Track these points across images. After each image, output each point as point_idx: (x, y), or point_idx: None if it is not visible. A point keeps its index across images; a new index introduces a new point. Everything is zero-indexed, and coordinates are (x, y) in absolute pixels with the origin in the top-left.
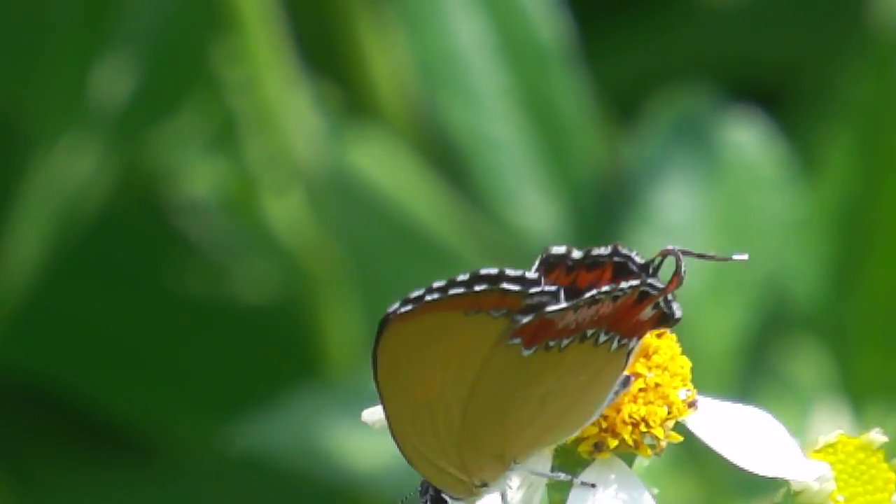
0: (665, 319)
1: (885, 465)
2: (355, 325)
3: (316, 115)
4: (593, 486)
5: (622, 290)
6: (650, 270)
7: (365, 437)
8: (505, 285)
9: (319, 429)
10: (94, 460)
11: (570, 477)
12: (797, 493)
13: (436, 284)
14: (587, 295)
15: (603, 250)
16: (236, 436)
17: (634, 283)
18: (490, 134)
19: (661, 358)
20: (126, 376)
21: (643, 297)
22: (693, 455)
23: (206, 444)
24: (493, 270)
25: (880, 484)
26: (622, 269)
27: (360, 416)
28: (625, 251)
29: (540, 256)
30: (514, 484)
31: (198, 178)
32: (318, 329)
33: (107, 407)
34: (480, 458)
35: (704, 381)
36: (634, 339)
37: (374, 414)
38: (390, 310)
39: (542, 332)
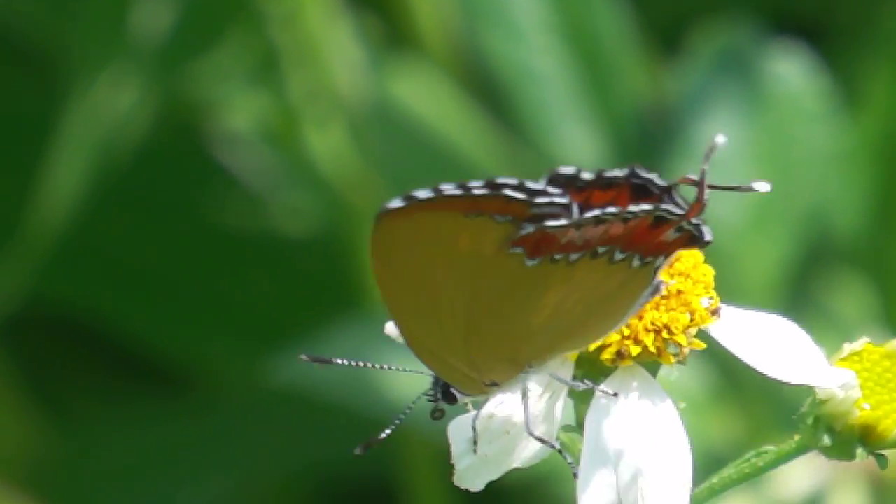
0: (694, 241)
1: None
2: None
3: (357, 48)
4: (615, 395)
5: (631, 212)
6: (671, 194)
7: (406, 369)
8: (508, 192)
9: (360, 360)
10: (133, 393)
11: (590, 385)
12: (822, 402)
13: (436, 186)
14: (590, 214)
15: (618, 172)
16: (277, 369)
17: (647, 206)
18: (532, 67)
19: (684, 265)
20: (166, 309)
21: (660, 220)
22: (737, 389)
23: (246, 377)
24: (499, 178)
25: None
26: (642, 190)
27: (401, 349)
28: (644, 173)
29: (546, 175)
30: (535, 389)
31: (239, 110)
32: (358, 262)
33: (146, 340)
34: (490, 358)
35: None
36: (661, 258)
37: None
38: (385, 205)
39: (544, 245)
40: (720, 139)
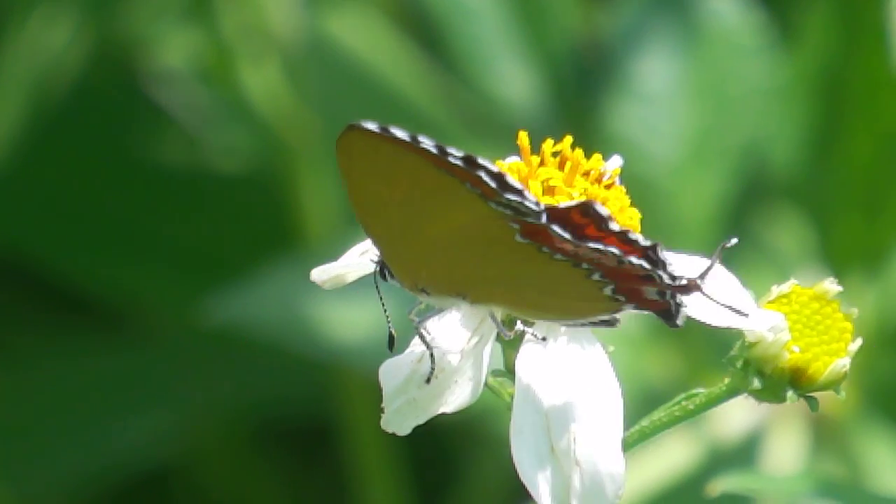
0: (667, 315)
1: (840, 315)
2: (331, 193)
3: None
4: (544, 339)
5: (630, 262)
6: (667, 264)
7: (343, 308)
8: (482, 174)
9: (297, 301)
10: (71, 329)
11: (519, 330)
12: (752, 345)
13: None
14: (591, 245)
15: (641, 239)
16: (211, 309)
17: (646, 265)
18: (465, 3)
19: (611, 208)
20: (100, 247)
21: (649, 279)
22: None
23: (182, 314)
24: (480, 158)
25: (836, 333)
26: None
27: (328, 293)
28: (658, 254)
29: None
30: (462, 334)
31: (173, 48)
32: (294, 199)
33: (82, 277)
34: (433, 283)
35: (684, 249)
36: (631, 305)
37: (324, 273)
38: (358, 123)
39: (539, 236)
40: (733, 241)
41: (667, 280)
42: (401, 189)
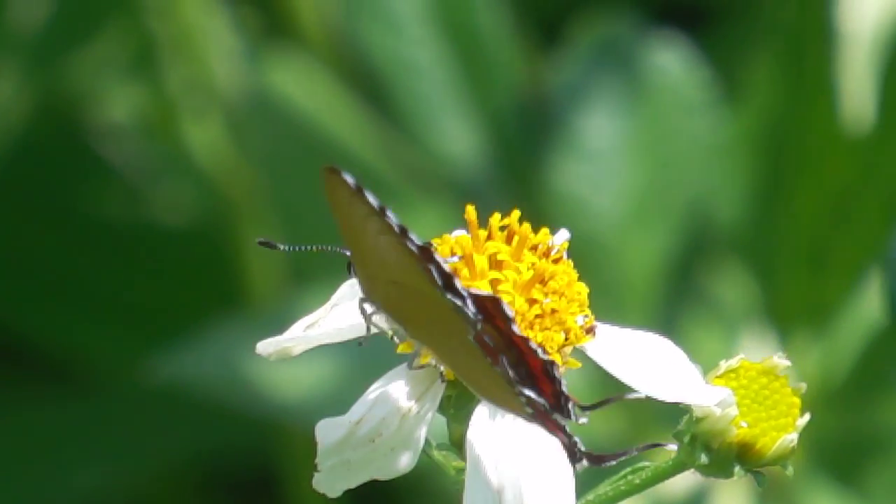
0: (567, 448)
1: (788, 390)
2: (276, 250)
3: (235, 39)
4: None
5: (533, 399)
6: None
7: (284, 366)
8: (431, 268)
9: (241, 359)
10: (14, 383)
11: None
12: (700, 420)
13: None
14: (511, 374)
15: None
16: (157, 365)
17: (544, 403)
18: (410, 59)
19: (558, 283)
20: (44, 301)
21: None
22: (620, 384)
23: (128, 369)
24: (435, 253)
25: (784, 409)
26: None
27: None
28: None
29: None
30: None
31: (117, 102)
32: (238, 253)
33: (26, 331)
34: (383, 298)
35: (630, 305)
36: (534, 418)
37: (269, 346)
38: (335, 169)
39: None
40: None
41: (562, 425)
42: (371, 231)
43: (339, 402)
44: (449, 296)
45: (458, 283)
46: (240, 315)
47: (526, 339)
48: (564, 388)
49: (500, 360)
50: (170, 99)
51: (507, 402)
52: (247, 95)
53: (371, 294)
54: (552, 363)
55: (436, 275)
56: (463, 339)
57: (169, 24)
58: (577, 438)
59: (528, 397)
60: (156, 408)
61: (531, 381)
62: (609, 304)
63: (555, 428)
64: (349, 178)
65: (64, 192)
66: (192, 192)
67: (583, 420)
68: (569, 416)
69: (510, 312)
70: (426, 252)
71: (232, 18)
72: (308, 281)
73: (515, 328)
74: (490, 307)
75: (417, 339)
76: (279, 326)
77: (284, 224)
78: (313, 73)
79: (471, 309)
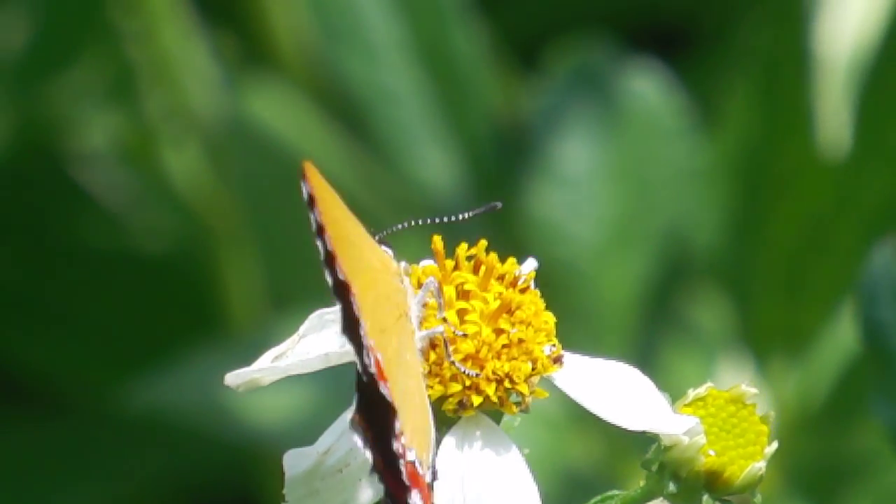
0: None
1: (756, 418)
2: (254, 276)
3: (213, 66)
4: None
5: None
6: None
7: (263, 393)
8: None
9: (218, 384)
10: None
11: None
12: (668, 448)
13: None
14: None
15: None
16: (134, 391)
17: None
18: (387, 86)
19: (525, 313)
20: (23, 326)
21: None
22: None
23: (103, 398)
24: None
25: (752, 437)
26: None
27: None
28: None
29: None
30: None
31: (95, 129)
32: (216, 280)
33: (3, 356)
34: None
35: (607, 331)
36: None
37: (238, 377)
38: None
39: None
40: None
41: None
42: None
43: (315, 428)
44: (345, 337)
45: (363, 331)
46: (218, 341)
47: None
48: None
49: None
50: (148, 126)
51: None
52: (225, 122)
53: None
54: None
55: (340, 314)
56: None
57: (147, 51)
58: None
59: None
60: (133, 432)
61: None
62: (587, 330)
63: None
64: (305, 188)
65: (43, 219)
66: (170, 219)
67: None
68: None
69: (396, 427)
70: (339, 288)
71: (210, 45)
72: (286, 307)
73: (395, 444)
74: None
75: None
76: (257, 353)
77: (263, 250)
78: (291, 100)
79: (366, 361)
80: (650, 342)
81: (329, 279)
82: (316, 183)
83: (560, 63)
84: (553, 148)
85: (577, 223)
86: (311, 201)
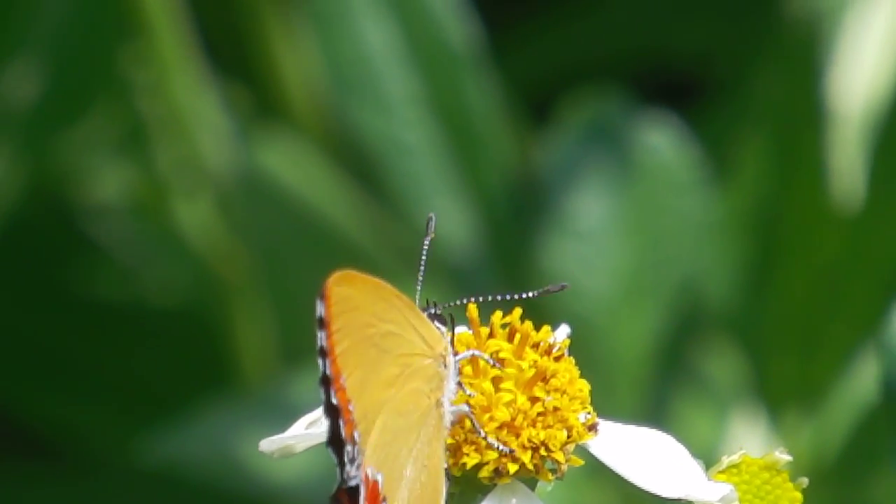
0: None
1: (790, 485)
2: (267, 330)
3: (225, 118)
4: None
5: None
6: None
7: None
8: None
9: (233, 440)
10: (8, 462)
11: None
12: None
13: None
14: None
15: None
16: (149, 446)
17: None
18: (401, 139)
19: (560, 381)
20: (34, 380)
21: None
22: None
23: (120, 449)
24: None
25: (786, 503)
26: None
27: (275, 425)
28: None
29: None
30: None
31: (107, 181)
32: (229, 333)
33: (16, 411)
34: None
35: (621, 384)
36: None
37: (272, 444)
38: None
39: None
40: None
41: None
42: None
43: (329, 483)
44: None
45: (343, 432)
46: (232, 396)
47: None
48: None
49: None
50: (160, 178)
51: None
52: (237, 175)
53: None
54: None
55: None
56: None
57: (159, 103)
58: None
59: None
60: (148, 488)
61: None
62: (600, 384)
63: None
64: (319, 308)
65: (54, 272)
66: (182, 272)
67: None
68: None
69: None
70: (321, 354)
71: (222, 98)
72: (299, 360)
73: None
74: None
75: None
76: (271, 407)
77: (275, 303)
78: (304, 153)
79: (347, 473)
80: (663, 395)
81: (322, 398)
82: (342, 294)
83: (573, 116)
84: (566, 201)
85: (591, 276)
86: (322, 324)
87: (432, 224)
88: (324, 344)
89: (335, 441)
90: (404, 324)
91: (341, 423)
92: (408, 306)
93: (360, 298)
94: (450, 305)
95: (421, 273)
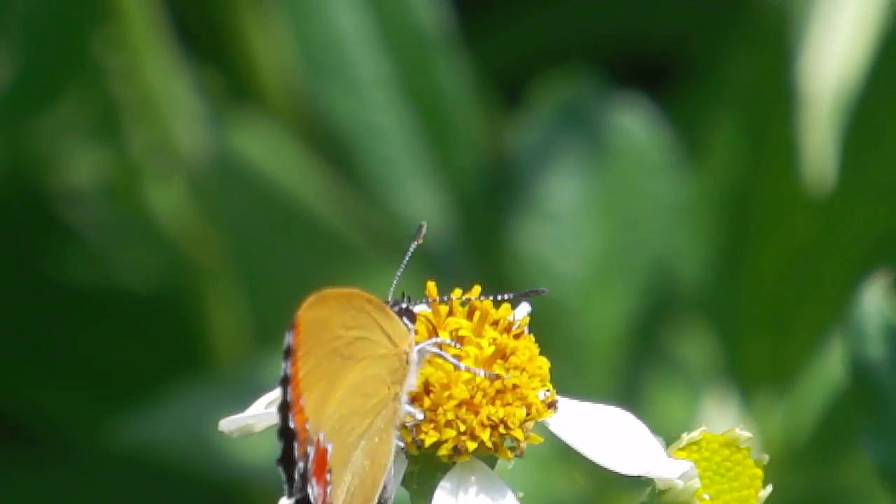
0: None
1: (750, 462)
2: (240, 312)
3: (198, 102)
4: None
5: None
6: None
7: None
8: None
9: (206, 422)
10: None
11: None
12: (662, 492)
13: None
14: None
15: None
16: (122, 429)
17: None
18: (373, 122)
19: (519, 359)
20: (7, 364)
21: None
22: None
23: (90, 435)
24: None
25: (746, 480)
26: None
27: (248, 408)
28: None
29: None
30: None
31: (80, 166)
32: (202, 317)
33: None
34: None
35: (593, 367)
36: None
37: (232, 423)
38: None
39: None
40: None
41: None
42: None
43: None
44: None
45: (296, 453)
46: (204, 378)
47: None
48: None
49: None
50: (133, 162)
51: None
52: (210, 158)
53: None
54: None
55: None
56: None
57: (131, 87)
58: None
59: None
60: (120, 470)
61: None
62: (572, 366)
63: None
64: (288, 338)
65: (27, 256)
66: (155, 255)
67: None
68: None
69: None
70: (283, 382)
71: (194, 82)
72: (271, 343)
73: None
74: None
75: None
76: (244, 389)
77: (248, 286)
78: (276, 137)
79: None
80: (635, 377)
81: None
82: (312, 318)
83: (545, 98)
84: (538, 183)
85: (563, 258)
86: (288, 353)
87: (422, 231)
88: (288, 372)
89: (286, 461)
90: (372, 326)
91: (296, 444)
92: (377, 308)
93: (330, 315)
94: (429, 301)
95: (399, 272)
